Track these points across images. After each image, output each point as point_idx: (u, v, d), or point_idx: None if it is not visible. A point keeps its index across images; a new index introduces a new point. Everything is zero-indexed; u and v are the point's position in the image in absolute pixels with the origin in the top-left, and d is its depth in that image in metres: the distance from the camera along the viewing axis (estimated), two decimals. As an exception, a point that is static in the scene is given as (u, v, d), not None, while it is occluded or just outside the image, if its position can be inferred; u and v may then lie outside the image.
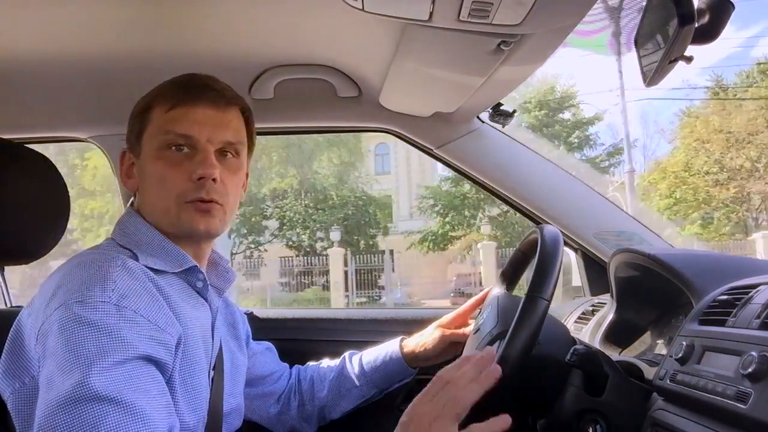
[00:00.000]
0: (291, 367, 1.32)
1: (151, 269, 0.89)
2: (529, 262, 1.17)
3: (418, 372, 1.25)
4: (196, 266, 0.95)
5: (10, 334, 0.85)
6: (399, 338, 1.28)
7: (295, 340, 1.56)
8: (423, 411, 0.79)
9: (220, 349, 1.02)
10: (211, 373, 0.97)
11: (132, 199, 1.02)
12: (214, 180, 0.92)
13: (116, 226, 0.97)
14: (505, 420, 0.79)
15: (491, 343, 1.01)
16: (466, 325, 1.26)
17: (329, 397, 1.24)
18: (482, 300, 1.25)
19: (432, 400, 0.80)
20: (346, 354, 1.29)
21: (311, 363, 1.32)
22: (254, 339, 1.26)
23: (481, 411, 0.81)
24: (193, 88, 0.95)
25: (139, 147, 0.96)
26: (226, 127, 0.95)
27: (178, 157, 0.92)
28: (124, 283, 0.82)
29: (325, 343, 1.57)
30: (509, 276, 1.23)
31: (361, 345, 1.41)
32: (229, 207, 0.96)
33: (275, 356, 1.30)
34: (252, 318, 1.50)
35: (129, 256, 0.89)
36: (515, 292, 1.21)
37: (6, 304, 1.35)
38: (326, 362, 1.30)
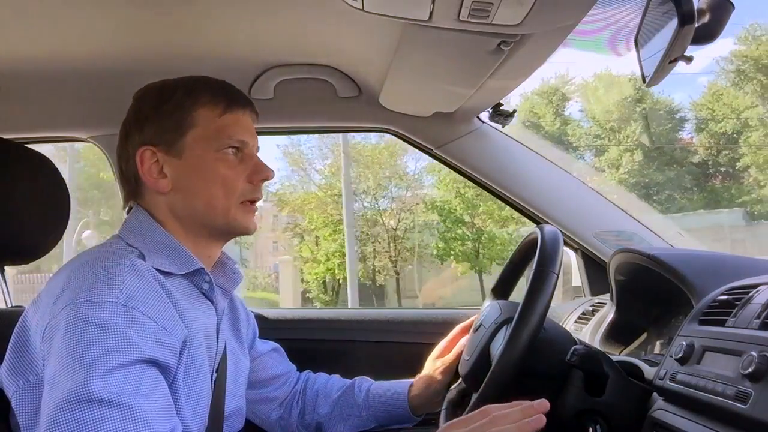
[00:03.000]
0: (299, 368, 1.30)
1: (158, 270, 0.89)
2: (527, 264, 1.17)
3: (423, 419, 1.22)
4: (203, 268, 0.95)
5: (15, 332, 0.85)
6: (409, 382, 1.23)
7: (300, 339, 1.56)
8: None
9: (224, 351, 1.02)
10: (214, 375, 0.97)
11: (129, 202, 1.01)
12: None
13: (124, 224, 0.97)
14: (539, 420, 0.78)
15: (497, 330, 1.01)
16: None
17: (329, 417, 1.22)
18: (469, 325, 1.22)
19: (468, 427, 0.79)
20: (357, 379, 1.25)
21: (322, 373, 1.29)
22: (260, 338, 1.25)
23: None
24: (236, 94, 0.99)
25: (180, 147, 0.94)
26: (256, 135, 1.02)
27: (235, 161, 0.96)
28: (132, 283, 0.82)
29: (329, 342, 1.57)
30: (503, 286, 1.22)
31: (365, 345, 1.41)
32: None
33: (282, 358, 1.28)
34: (257, 317, 1.50)
35: (137, 256, 0.89)
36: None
37: (6, 304, 1.35)
38: (336, 379, 1.27)
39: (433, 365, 1.22)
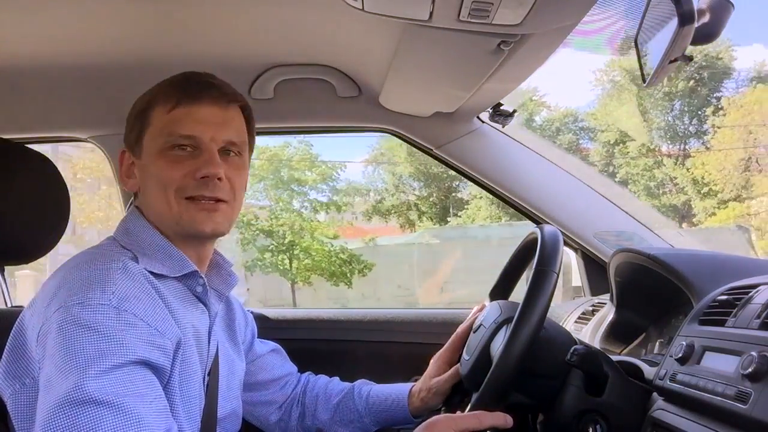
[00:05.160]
0: (299, 368, 1.29)
1: (151, 272, 0.89)
2: (527, 264, 1.17)
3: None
4: (197, 271, 0.94)
5: (11, 335, 0.85)
6: (410, 384, 1.21)
7: (301, 339, 1.56)
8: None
9: (216, 354, 1.01)
10: (207, 378, 0.96)
11: (132, 199, 1.02)
12: (219, 179, 0.90)
13: (119, 226, 0.96)
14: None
15: (497, 330, 1.00)
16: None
17: (330, 422, 1.21)
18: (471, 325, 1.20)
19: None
20: (356, 384, 1.24)
21: (322, 375, 1.28)
22: (259, 338, 1.24)
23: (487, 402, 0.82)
24: (194, 86, 0.93)
25: (140, 148, 0.94)
26: (229, 125, 0.94)
27: (180, 156, 0.90)
28: (124, 285, 0.82)
29: (330, 342, 1.57)
30: (503, 286, 1.22)
31: (365, 345, 1.41)
32: (236, 206, 0.96)
33: (283, 360, 1.27)
34: (258, 318, 1.50)
35: (130, 258, 0.89)
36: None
37: (6, 304, 1.35)
38: (336, 383, 1.26)
39: (437, 368, 1.19)
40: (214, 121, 0.92)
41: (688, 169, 14.67)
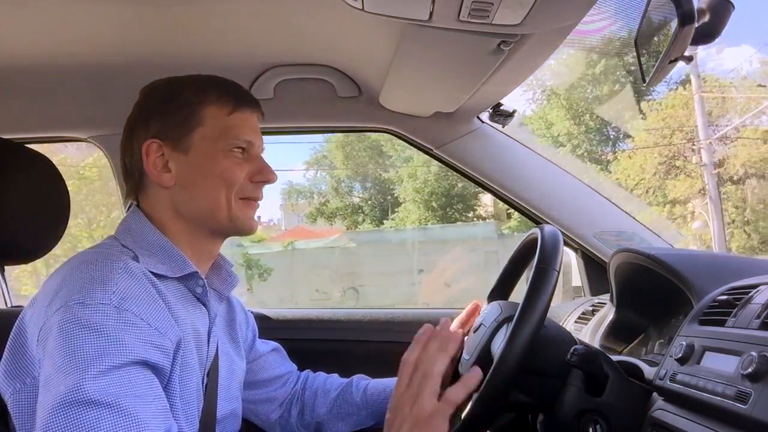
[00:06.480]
0: (299, 368, 1.30)
1: (152, 272, 0.89)
2: (527, 265, 1.17)
3: None
4: (197, 272, 0.95)
5: (12, 334, 0.85)
6: None
7: (301, 339, 1.56)
8: (402, 400, 0.84)
9: (216, 354, 1.01)
10: (205, 379, 0.96)
11: (130, 199, 1.01)
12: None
13: (120, 225, 0.97)
14: (476, 373, 0.83)
15: (497, 329, 1.00)
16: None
17: (328, 416, 1.22)
18: (472, 311, 1.21)
19: (406, 385, 0.85)
20: (354, 378, 1.26)
21: (321, 372, 1.29)
22: (260, 338, 1.24)
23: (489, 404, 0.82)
24: (244, 95, 1.00)
25: (187, 143, 0.94)
26: (261, 136, 1.02)
27: (239, 159, 0.97)
28: (125, 284, 0.82)
29: (330, 342, 1.57)
30: (502, 287, 1.21)
31: (365, 345, 1.40)
32: None
33: (283, 358, 1.28)
34: (258, 317, 1.50)
35: (131, 258, 0.89)
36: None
37: (6, 304, 1.35)
38: (334, 378, 1.27)
39: None
40: (258, 131, 1.01)
41: (612, 174, 14.54)
